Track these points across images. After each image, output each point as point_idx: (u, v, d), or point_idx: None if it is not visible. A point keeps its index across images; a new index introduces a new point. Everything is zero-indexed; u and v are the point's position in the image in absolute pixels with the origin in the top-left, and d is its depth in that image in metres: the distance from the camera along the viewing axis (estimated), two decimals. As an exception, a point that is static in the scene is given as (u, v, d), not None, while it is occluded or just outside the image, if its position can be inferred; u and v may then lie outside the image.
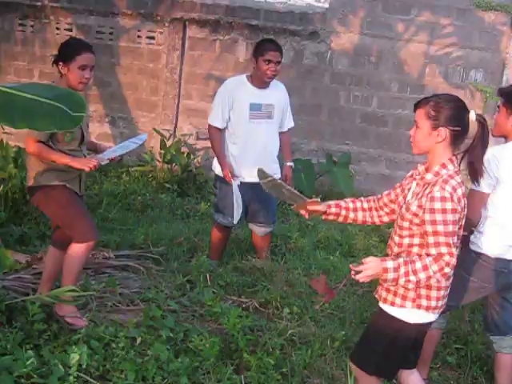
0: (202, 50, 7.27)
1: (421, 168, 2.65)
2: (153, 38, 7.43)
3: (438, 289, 2.58)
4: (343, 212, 2.88)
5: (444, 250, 2.46)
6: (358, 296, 4.35)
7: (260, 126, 4.35)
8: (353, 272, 2.56)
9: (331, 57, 7.05)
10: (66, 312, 3.44)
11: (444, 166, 2.53)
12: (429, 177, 2.55)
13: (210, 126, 4.48)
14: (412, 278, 2.47)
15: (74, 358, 2.77)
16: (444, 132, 2.51)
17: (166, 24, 7.28)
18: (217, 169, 4.49)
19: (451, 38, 6.80)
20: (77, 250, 3.39)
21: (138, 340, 3.20)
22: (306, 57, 7.10)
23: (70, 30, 7.66)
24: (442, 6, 6.77)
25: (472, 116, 2.57)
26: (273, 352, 3.39)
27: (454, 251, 2.48)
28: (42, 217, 5.14)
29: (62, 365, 2.81)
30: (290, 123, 4.65)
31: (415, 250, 2.59)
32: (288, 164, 4.62)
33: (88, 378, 2.87)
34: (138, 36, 7.48)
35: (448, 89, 6.87)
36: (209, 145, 7.27)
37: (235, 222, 4.36)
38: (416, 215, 2.53)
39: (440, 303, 2.62)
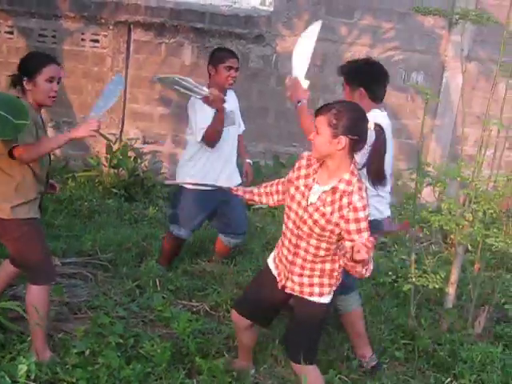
0: (147, 53, 7.21)
1: (315, 165, 2.78)
2: (97, 41, 7.32)
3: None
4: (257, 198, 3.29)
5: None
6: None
7: (228, 133, 4.34)
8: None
9: (277, 60, 7.11)
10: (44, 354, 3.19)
11: (352, 173, 2.67)
12: (342, 186, 2.65)
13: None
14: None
15: (22, 368, 2.71)
16: (344, 140, 2.60)
17: (111, 27, 7.18)
18: (180, 178, 4.41)
19: (393, 42, 6.96)
20: (40, 293, 3.14)
21: (87, 352, 3.15)
22: (251, 60, 7.14)
23: (11, 33, 7.47)
24: (383, 9, 6.93)
25: (371, 125, 2.67)
26: (224, 356, 3.41)
27: None
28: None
29: (8, 376, 2.74)
30: (241, 126, 4.72)
31: (322, 253, 2.78)
32: (247, 161, 4.71)
33: (37, 389, 2.83)
34: (82, 39, 7.34)
35: (390, 90, 7.01)
36: (156, 148, 7.29)
37: None
38: (337, 225, 2.66)
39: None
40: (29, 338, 3.17)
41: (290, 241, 2.85)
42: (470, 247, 4.58)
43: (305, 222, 2.74)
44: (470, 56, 6.71)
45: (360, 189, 2.64)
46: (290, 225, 2.84)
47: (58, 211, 5.69)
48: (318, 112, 2.69)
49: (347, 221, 2.62)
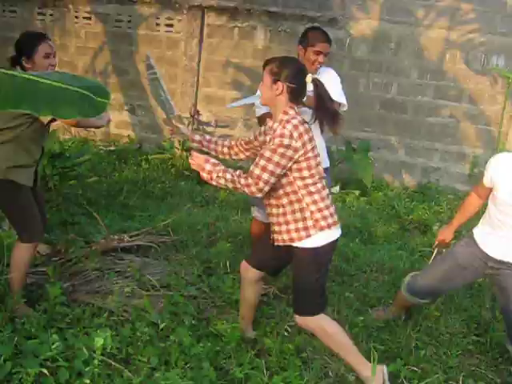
0: (220, 37, 7.26)
1: (271, 123, 3.03)
2: (171, 25, 7.44)
3: (320, 210, 2.93)
4: (205, 143, 3.36)
5: (257, 171, 2.82)
6: (378, 282, 4.35)
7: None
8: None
9: (350, 43, 7.01)
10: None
11: (285, 112, 2.93)
12: (275, 125, 2.93)
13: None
14: (222, 180, 2.90)
15: (99, 341, 2.80)
16: (282, 86, 2.91)
17: (185, 11, 7.28)
18: None
19: (472, 24, 6.71)
20: (25, 250, 3.41)
21: (162, 325, 3.24)
22: (324, 43, 7.05)
23: (89, 19, 7.70)
24: (463, -10, 6.69)
25: (308, 78, 3.00)
26: (293, 338, 3.41)
27: (266, 176, 2.81)
28: (63, 204, 5.21)
29: (86, 348, 2.85)
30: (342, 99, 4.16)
31: (284, 200, 2.95)
32: None
33: (112, 362, 2.92)
34: (157, 24, 7.49)
35: (469, 74, 6.80)
36: (228, 132, 7.35)
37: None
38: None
39: (330, 220, 2.96)
40: (105, 314, 3.27)
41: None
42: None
43: None
44: (556, 38, 6.39)
45: (287, 121, 2.87)
46: None
47: (132, 192, 5.85)
48: (264, 65, 3.01)
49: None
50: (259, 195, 2.88)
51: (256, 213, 4.34)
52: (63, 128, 7.48)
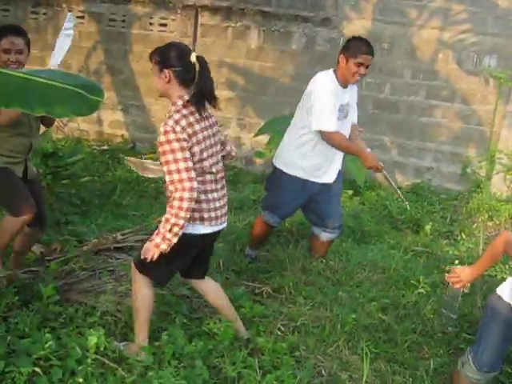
0: (214, 36, 7.27)
1: None
2: (165, 25, 7.44)
3: (198, 202, 2.89)
4: None
5: (175, 176, 2.77)
6: (371, 281, 4.37)
7: (341, 126, 4.10)
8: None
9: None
10: None
11: (174, 103, 2.94)
12: (167, 116, 2.93)
13: (327, 133, 3.95)
14: (175, 229, 2.81)
15: (92, 340, 2.80)
16: (168, 73, 2.92)
17: (178, 11, 7.28)
18: (278, 163, 4.19)
19: (465, 24, 6.74)
20: (12, 221, 3.48)
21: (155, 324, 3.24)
22: (318, 43, 7.08)
23: (83, 18, 7.68)
24: (455, -9, 6.72)
25: (193, 57, 2.94)
26: (286, 337, 3.43)
27: (185, 176, 2.77)
28: (56, 203, 5.20)
29: (79, 347, 2.85)
30: (354, 119, 4.42)
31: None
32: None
33: (105, 361, 2.92)
34: (150, 23, 7.48)
35: (461, 75, 6.83)
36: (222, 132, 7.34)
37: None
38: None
39: (206, 215, 2.98)
40: (98, 313, 3.27)
41: None
42: (541, 238, 4.40)
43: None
44: (547, 39, 6.42)
45: (169, 117, 2.86)
46: None
47: (125, 192, 5.85)
48: (149, 57, 3.06)
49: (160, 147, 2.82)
50: (195, 193, 2.79)
51: (268, 217, 4.31)
52: (56, 127, 7.46)
